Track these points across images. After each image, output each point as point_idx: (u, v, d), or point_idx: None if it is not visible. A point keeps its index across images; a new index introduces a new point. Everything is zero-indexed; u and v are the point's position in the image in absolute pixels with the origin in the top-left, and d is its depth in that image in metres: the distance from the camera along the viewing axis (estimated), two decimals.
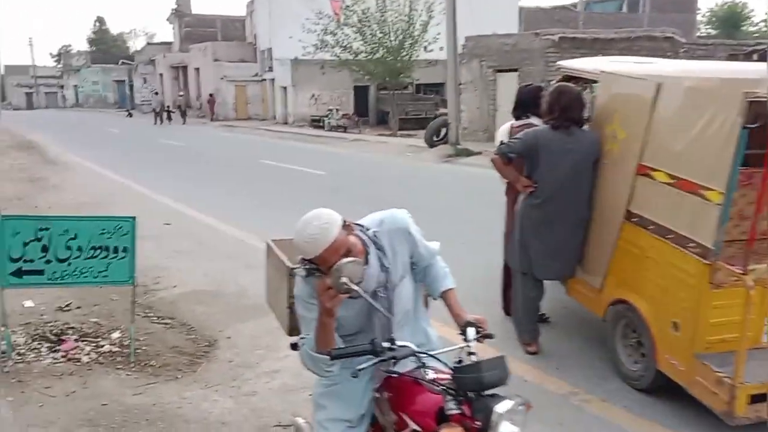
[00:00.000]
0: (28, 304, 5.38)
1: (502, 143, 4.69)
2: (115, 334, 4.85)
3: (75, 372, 4.25)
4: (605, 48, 17.53)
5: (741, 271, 3.35)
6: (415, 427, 2.16)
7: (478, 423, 1.99)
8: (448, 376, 2.14)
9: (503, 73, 19.89)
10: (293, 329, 2.87)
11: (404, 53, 25.60)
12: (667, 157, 3.81)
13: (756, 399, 3.33)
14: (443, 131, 19.29)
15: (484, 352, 2.23)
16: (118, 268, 4.36)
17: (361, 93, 32.19)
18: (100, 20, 77.76)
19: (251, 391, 4.15)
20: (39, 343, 4.62)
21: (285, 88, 33.97)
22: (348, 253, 2.14)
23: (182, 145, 22.85)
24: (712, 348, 3.57)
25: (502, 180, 4.96)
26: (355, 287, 2.05)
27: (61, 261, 4.26)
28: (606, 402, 3.96)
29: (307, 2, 25.78)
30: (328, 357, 2.18)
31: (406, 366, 2.30)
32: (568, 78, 4.98)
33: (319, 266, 2.17)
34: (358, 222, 2.38)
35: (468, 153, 17.40)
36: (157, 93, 42.61)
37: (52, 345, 4.62)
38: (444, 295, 2.55)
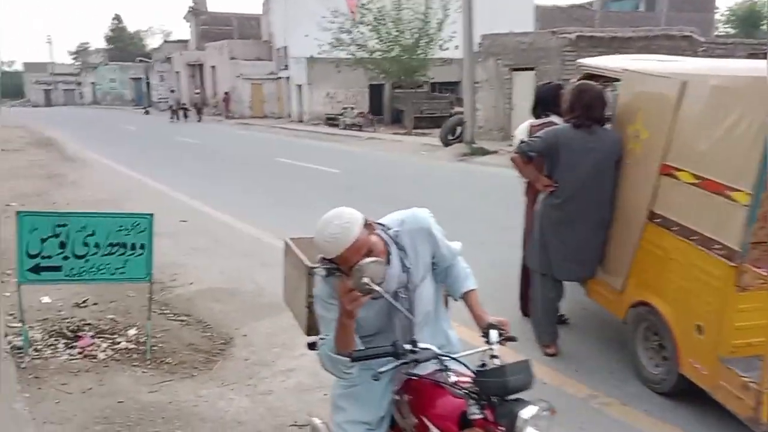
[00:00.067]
0: (45, 300, 5.40)
1: (522, 142, 4.62)
2: (132, 331, 4.85)
3: (91, 369, 4.25)
4: (623, 47, 17.37)
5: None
6: (436, 430, 2.12)
7: (501, 428, 1.95)
8: (470, 380, 2.10)
9: (519, 72, 19.76)
10: (311, 328, 2.84)
11: (419, 51, 25.52)
12: (692, 156, 3.73)
13: None
14: (458, 130, 19.19)
15: (503, 354, 2.19)
16: (135, 265, 4.35)
17: (375, 91, 32.16)
18: (118, 18, 78.96)
19: (267, 389, 4.13)
20: (56, 339, 4.63)
21: (300, 86, 34.02)
22: (369, 253, 2.09)
23: (198, 142, 22.93)
24: (737, 352, 3.49)
25: (522, 179, 4.90)
26: (377, 288, 2.01)
27: (79, 257, 4.25)
28: (626, 406, 3.90)
29: (323, 0, 25.76)
30: (348, 359, 2.14)
31: (426, 368, 2.26)
32: (589, 76, 4.91)
33: (339, 266, 2.13)
34: (379, 221, 2.34)
35: (483, 152, 17.30)
36: (173, 91, 42.81)
37: (69, 341, 4.62)
38: (465, 297, 2.50)
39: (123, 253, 4.32)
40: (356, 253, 2.07)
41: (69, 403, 3.80)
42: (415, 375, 2.25)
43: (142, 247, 4.35)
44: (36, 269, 4.21)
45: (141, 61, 58.25)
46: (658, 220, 3.96)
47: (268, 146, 21.83)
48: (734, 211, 3.39)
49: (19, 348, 4.39)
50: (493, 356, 2.14)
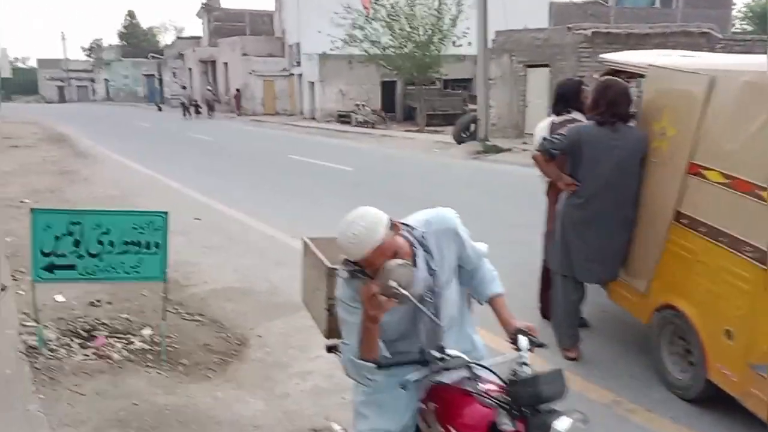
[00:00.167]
0: (60, 298, 5.35)
1: (544, 139, 4.50)
2: (146, 331, 4.79)
3: (106, 370, 4.18)
4: (639, 43, 17.15)
5: None
6: None
7: None
8: (500, 389, 2.01)
9: (534, 69, 19.61)
10: (331, 331, 2.77)
11: (433, 48, 25.39)
12: (721, 155, 3.61)
13: None
14: (471, 127, 19.06)
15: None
16: (150, 263, 4.29)
17: (388, 88, 32.05)
18: (131, 14, 78.83)
19: (283, 392, 4.06)
20: (70, 339, 4.58)
21: (312, 83, 33.96)
22: (395, 255, 2.01)
23: (210, 139, 22.95)
24: None
25: (543, 178, 4.79)
26: (405, 292, 1.92)
27: (93, 256, 4.19)
28: (652, 413, 3.79)
29: None
30: (373, 365, 2.06)
31: (453, 375, 2.18)
32: (612, 72, 4.80)
33: (363, 268, 2.05)
34: (403, 221, 2.25)
35: (497, 150, 17.17)
36: (185, 87, 42.94)
37: (83, 341, 4.57)
38: (492, 301, 2.42)
39: (138, 252, 4.25)
40: (381, 255, 1.99)
41: (83, 405, 3.74)
42: (442, 382, 2.17)
43: (157, 245, 4.28)
44: (50, 268, 4.15)
45: (154, 57, 58.49)
46: (684, 221, 3.85)
47: (281, 143, 21.80)
48: (765, 211, 3.27)
49: (34, 348, 4.34)
50: (523, 363, 2.05)
